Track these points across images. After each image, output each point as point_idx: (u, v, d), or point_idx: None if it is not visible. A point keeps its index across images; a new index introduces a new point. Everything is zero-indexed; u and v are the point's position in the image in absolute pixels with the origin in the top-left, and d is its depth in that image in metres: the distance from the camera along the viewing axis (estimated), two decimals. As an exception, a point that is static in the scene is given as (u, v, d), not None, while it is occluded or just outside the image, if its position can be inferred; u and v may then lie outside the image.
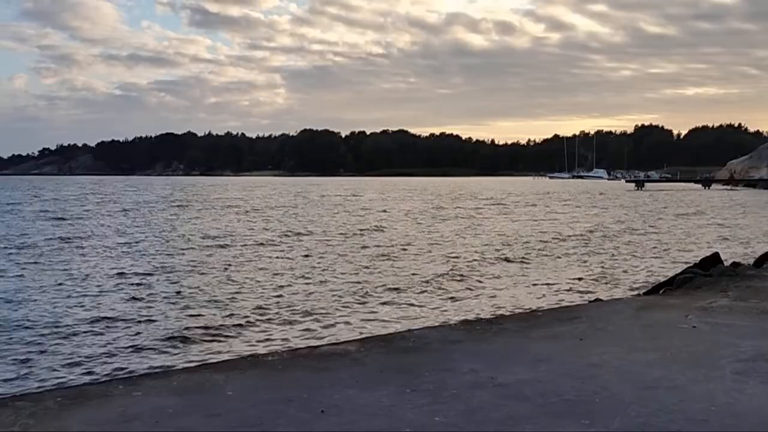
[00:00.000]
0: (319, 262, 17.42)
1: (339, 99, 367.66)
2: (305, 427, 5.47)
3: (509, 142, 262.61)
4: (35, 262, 17.14)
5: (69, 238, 23.56)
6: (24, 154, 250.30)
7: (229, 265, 16.74)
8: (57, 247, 20.99)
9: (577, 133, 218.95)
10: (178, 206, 45.49)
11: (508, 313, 11.55)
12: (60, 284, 13.83)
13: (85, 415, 6.07)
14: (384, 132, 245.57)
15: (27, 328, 10.12)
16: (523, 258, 18.60)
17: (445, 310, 11.72)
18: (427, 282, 14.66)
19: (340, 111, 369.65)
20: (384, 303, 12.32)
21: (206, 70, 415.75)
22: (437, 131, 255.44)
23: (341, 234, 25.92)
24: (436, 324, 10.57)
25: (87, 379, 7.87)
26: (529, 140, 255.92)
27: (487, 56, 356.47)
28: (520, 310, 11.84)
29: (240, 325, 10.42)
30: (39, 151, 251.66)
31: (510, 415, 5.62)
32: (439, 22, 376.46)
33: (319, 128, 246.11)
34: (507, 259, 18.13)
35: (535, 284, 14.57)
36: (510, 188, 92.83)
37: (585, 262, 18.16)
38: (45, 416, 6.07)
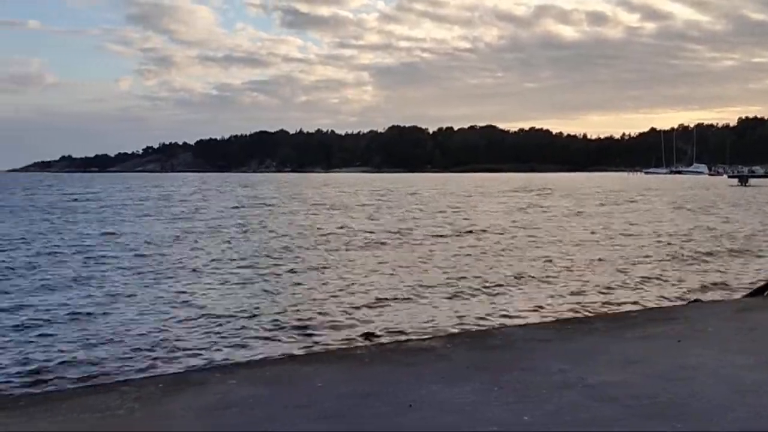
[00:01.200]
0: (414, 259, 17.49)
1: (426, 95, 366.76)
2: (391, 421, 5.56)
3: (602, 136, 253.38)
4: (160, 254, 18.11)
5: (181, 235, 24.70)
6: (129, 152, 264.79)
7: (328, 261, 17.02)
8: (174, 242, 22.04)
9: (675, 126, 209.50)
10: (270, 205, 46.78)
11: (599, 313, 11.27)
12: (169, 277, 14.52)
13: (185, 400, 6.40)
14: (471, 128, 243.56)
15: (136, 316, 10.73)
16: (621, 257, 18.04)
17: (536, 308, 11.57)
18: (519, 279, 14.49)
19: (427, 107, 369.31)
20: (475, 299, 12.30)
21: (297, 69, 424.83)
22: (525, 126, 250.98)
23: (438, 229, 25.95)
24: (525, 322, 10.45)
25: (186, 366, 8.29)
26: (623, 134, 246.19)
27: (578, 48, 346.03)
28: (613, 310, 11.51)
29: (331, 319, 10.66)
30: (143, 150, 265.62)
31: (599, 416, 5.51)
32: (528, 15, 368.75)
33: (407, 125, 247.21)
34: (601, 259, 17.64)
35: (630, 284, 14.11)
36: (606, 184, 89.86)
37: (686, 262, 17.42)
38: (149, 400, 6.45)
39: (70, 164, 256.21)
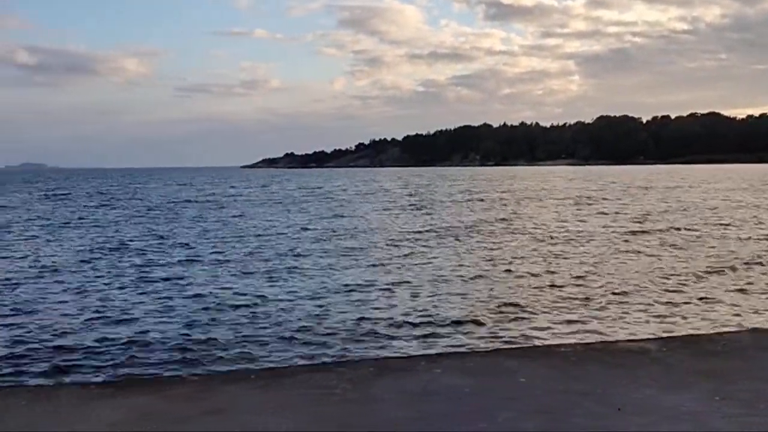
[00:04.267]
0: (629, 255, 16.55)
1: (638, 82, 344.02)
2: (601, 422, 5.36)
3: None
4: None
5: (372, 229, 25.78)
6: (343, 148, 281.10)
7: (539, 255, 16.63)
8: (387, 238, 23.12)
9: None
10: (477, 199, 46.92)
11: None
12: (376, 266, 15.23)
13: (392, 385, 6.71)
14: (691, 115, 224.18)
15: (352, 306, 11.43)
16: None
17: (762, 314, 10.40)
18: (742, 282, 13.12)
19: (640, 95, 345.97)
20: (687, 301, 11.37)
21: (500, 62, 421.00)
22: (756, 112, 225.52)
23: (656, 222, 24.38)
24: (749, 327, 9.43)
25: (394, 353, 8.65)
26: None
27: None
28: None
29: (533, 313, 10.48)
30: (355, 146, 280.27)
31: None
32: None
33: (617, 114, 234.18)
34: None
35: None
36: None
37: None
38: (360, 383, 6.85)
39: (292, 160, 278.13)
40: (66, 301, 11.86)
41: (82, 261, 16.68)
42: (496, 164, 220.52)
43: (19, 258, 17.38)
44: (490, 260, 16.04)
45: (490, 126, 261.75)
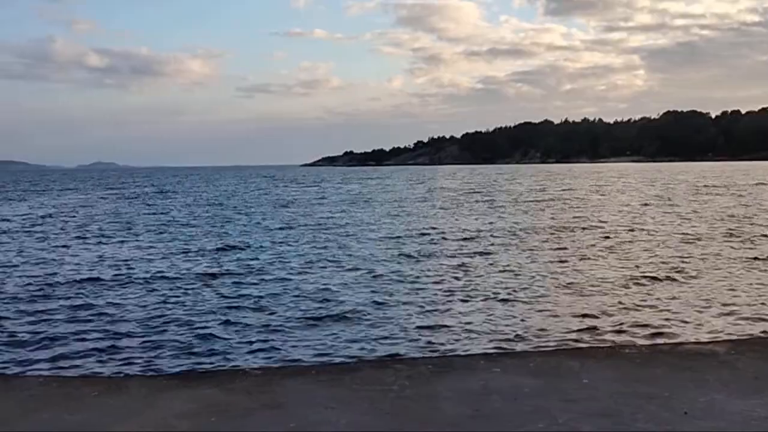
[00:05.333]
0: (703, 258, 15.96)
1: (707, 76, 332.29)
2: (666, 427, 5.22)
3: None
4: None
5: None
6: (402, 146, 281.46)
7: (607, 255, 16.24)
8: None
9: None
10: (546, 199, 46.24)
11: None
12: (440, 266, 15.23)
13: (450, 383, 6.69)
14: (763, 110, 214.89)
15: (416, 302, 11.46)
16: None
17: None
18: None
19: (709, 89, 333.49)
20: (757, 303, 10.92)
21: (561, 57, 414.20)
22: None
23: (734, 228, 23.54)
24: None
25: (453, 350, 8.62)
26: None
27: None
28: None
29: (598, 313, 10.27)
30: (414, 144, 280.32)
31: None
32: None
33: (684, 109, 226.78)
34: None
35: None
36: None
37: None
38: (418, 379, 6.86)
39: (351, 159, 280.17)
40: (137, 294, 12.30)
41: (155, 256, 17.27)
42: (557, 161, 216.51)
43: (115, 250, 18.13)
44: (556, 260, 15.76)
45: (551, 122, 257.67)
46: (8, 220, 29.66)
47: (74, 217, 31.40)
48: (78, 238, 21.93)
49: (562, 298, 11.54)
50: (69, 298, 12.15)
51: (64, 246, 19.73)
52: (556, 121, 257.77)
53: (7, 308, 11.27)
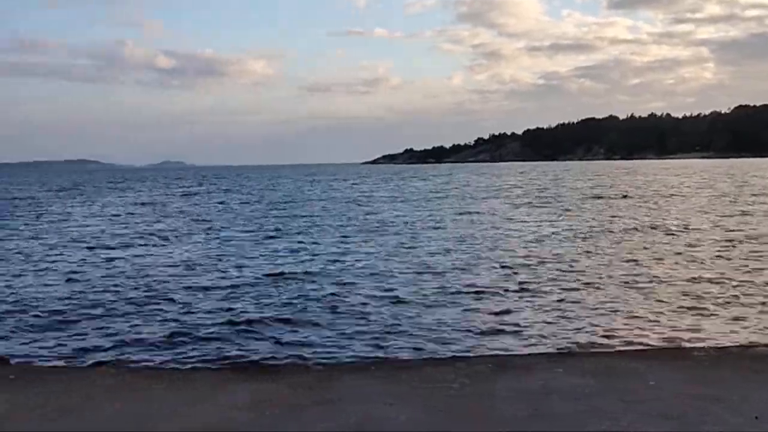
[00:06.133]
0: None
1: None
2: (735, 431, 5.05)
3: None
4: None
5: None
6: (462, 143, 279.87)
7: (680, 256, 15.68)
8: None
9: None
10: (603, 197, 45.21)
11: None
12: (507, 267, 15.06)
13: (510, 382, 6.64)
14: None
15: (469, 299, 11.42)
16: None
17: None
18: None
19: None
20: None
21: (626, 51, 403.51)
22: None
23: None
24: None
25: (513, 349, 8.54)
26: None
27: None
28: None
29: (664, 314, 10.00)
30: (474, 141, 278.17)
31: None
32: None
33: (758, 103, 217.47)
34: None
35: None
36: None
37: None
38: (477, 378, 6.83)
39: (411, 156, 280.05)
40: (206, 289, 12.65)
41: (227, 252, 17.73)
42: (622, 158, 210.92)
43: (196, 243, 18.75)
44: (623, 260, 15.34)
45: (616, 118, 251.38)
46: (92, 216, 30.90)
47: (149, 215, 32.49)
48: (151, 235, 22.67)
49: (627, 298, 11.27)
50: (138, 289, 12.62)
51: (140, 244, 20.44)
52: (621, 117, 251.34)
53: (79, 300, 11.78)
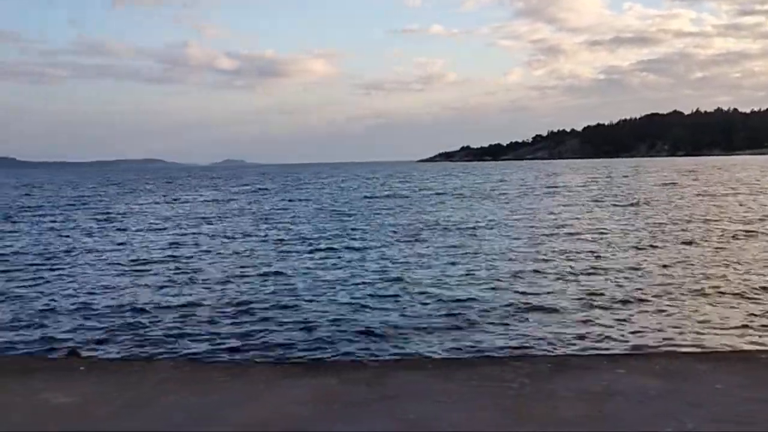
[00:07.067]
0: None
1: None
2: (808, 438, 4.85)
3: None
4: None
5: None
6: (520, 140, 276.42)
7: (753, 260, 15.07)
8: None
9: None
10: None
11: None
12: (569, 268, 14.84)
13: (572, 382, 6.53)
14: None
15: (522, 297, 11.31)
16: None
17: None
18: None
19: None
20: None
21: (691, 44, 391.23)
22: None
23: None
24: None
25: (574, 350, 8.40)
26: None
27: None
28: None
29: (726, 319, 9.66)
30: (532, 138, 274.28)
31: None
32: None
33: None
34: None
35: None
36: None
37: None
38: (538, 378, 6.75)
39: (467, 154, 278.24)
40: (270, 285, 12.91)
41: (293, 250, 18.02)
42: (687, 154, 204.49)
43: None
44: (690, 262, 14.84)
45: (680, 113, 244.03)
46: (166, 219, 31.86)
47: (215, 214, 33.31)
48: (219, 234, 23.21)
49: (693, 301, 10.95)
50: (206, 285, 12.97)
51: (209, 240, 20.96)
52: (686, 112, 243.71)
53: (147, 294, 12.18)
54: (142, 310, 10.98)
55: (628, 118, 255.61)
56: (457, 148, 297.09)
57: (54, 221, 28.89)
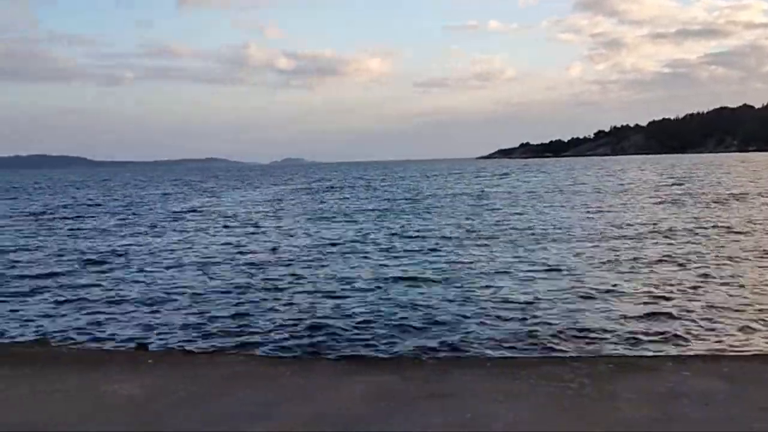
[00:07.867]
0: None
1: None
2: None
3: None
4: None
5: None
6: (581, 136, 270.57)
7: None
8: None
9: None
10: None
11: None
12: (630, 266, 14.50)
13: (633, 384, 6.39)
14: None
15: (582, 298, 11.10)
16: None
17: None
18: None
19: None
20: None
21: (762, 36, 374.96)
22: None
23: None
24: None
25: (637, 351, 8.21)
26: None
27: None
28: None
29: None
30: (594, 134, 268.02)
31: None
32: None
33: None
34: None
35: None
36: None
37: None
38: (598, 378, 6.63)
39: (527, 151, 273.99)
40: (336, 284, 13.05)
41: (357, 250, 17.90)
42: (758, 149, 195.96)
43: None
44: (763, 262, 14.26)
45: (751, 107, 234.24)
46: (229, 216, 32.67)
47: (273, 212, 33.91)
48: (285, 234, 23.60)
49: (762, 302, 10.54)
50: (274, 282, 13.24)
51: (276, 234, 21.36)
52: (758, 105, 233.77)
53: (215, 291, 12.52)
54: (211, 304, 11.30)
55: (695, 112, 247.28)
56: (516, 144, 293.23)
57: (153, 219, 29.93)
